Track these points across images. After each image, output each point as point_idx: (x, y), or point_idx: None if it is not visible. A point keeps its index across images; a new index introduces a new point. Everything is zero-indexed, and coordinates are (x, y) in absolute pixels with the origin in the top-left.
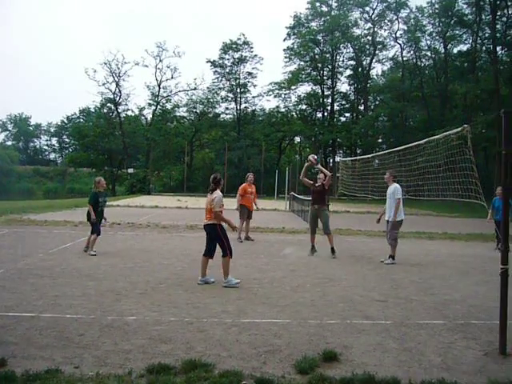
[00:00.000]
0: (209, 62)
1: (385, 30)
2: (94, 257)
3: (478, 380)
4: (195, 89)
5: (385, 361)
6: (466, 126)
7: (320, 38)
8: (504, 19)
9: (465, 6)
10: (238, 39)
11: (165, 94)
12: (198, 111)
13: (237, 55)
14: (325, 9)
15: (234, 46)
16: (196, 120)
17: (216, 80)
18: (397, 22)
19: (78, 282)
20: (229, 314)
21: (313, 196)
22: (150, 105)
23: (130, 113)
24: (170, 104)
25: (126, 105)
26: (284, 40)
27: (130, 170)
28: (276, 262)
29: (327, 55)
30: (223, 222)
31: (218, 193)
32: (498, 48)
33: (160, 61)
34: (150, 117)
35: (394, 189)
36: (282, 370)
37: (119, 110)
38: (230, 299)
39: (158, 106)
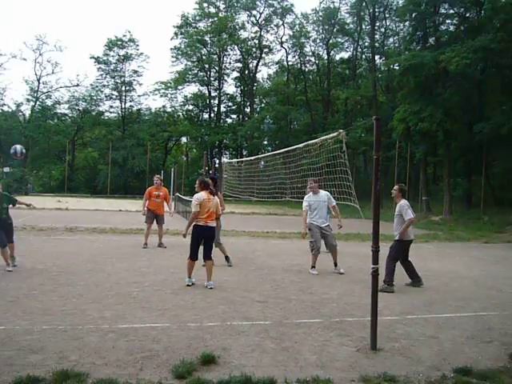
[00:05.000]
0: (92, 58)
1: (271, 34)
2: None
3: (350, 376)
4: (78, 85)
5: (262, 361)
6: (341, 130)
7: (207, 38)
8: (382, 30)
9: (347, 16)
10: (124, 36)
11: (45, 90)
12: (80, 108)
13: (122, 52)
14: (212, 10)
15: (119, 42)
16: (78, 118)
17: (100, 77)
18: (283, 27)
19: None
20: (106, 319)
21: None
22: (28, 100)
23: (6, 108)
24: (50, 100)
25: (2, 99)
26: (171, 39)
27: (6, 169)
28: (157, 264)
29: (214, 56)
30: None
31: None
32: (377, 57)
33: (40, 54)
34: (28, 113)
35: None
36: (159, 375)
37: None
38: (108, 304)
39: (38, 102)
